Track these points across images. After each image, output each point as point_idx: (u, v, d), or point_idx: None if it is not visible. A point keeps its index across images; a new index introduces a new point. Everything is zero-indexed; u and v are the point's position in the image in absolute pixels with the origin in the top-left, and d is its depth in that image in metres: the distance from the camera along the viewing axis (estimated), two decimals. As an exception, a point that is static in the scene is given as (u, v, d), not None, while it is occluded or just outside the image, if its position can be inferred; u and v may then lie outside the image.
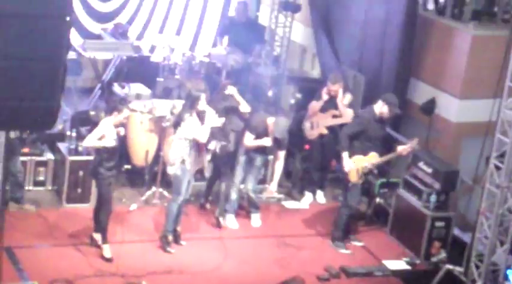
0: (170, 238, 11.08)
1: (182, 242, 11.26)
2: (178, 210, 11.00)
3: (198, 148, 10.91)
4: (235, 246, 11.43)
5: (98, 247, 10.73)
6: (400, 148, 11.66)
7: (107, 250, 10.70)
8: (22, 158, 11.87)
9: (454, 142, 12.90)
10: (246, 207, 12.07)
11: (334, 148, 12.14)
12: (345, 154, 11.47)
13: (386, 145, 11.88)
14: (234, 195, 11.76)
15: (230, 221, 11.77)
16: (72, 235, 11.07)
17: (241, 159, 11.72)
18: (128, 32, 15.38)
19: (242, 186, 11.81)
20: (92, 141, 10.53)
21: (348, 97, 12.30)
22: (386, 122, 11.78)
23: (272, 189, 11.67)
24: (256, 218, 11.84)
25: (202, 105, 10.96)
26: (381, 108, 11.49)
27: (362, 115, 11.87)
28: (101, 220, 10.71)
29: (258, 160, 11.73)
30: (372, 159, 11.53)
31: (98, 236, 10.76)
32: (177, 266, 10.87)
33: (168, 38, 14.60)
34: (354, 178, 11.58)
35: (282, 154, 11.58)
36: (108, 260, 10.63)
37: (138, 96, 12.96)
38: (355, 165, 11.50)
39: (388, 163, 12.21)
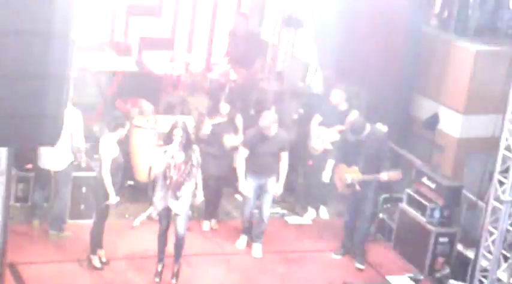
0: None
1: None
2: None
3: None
4: (237, 262, 11.46)
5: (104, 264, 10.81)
6: (382, 175, 11.50)
7: (96, 261, 10.81)
8: (24, 174, 11.89)
9: (458, 157, 12.89)
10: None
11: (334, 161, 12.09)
12: (342, 167, 11.61)
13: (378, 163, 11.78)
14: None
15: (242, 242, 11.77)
16: (75, 251, 11.03)
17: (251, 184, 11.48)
18: (132, 47, 15.39)
19: (256, 211, 11.74)
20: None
21: (355, 113, 12.28)
22: (372, 140, 11.60)
23: (278, 191, 11.55)
24: (258, 248, 11.59)
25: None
26: None
27: (343, 133, 11.96)
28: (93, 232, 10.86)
29: (268, 188, 11.50)
30: (353, 173, 11.52)
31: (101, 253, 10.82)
32: (180, 281, 10.86)
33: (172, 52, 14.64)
34: (338, 187, 11.74)
35: (284, 155, 11.43)
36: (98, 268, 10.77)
37: (141, 112, 12.99)
38: (338, 174, 11.61)
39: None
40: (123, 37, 15.70)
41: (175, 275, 10.64)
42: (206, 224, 12.14)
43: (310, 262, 11.79)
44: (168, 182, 10.37)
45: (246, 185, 11.39)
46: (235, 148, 11.78)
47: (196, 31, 16.04)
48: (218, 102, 12.38)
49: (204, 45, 16.25)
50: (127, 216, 12.05)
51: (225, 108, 11.94)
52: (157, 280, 10.63)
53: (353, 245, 11.95)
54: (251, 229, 11.67)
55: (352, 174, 11.51)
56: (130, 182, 12.52)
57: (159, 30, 15.70)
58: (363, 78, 13.52)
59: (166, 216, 10.58)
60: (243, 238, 11.68)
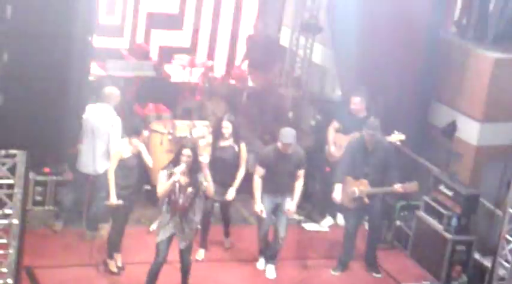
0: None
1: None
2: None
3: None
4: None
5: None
6: (397, 186, 11.42)
7: (112, 265, 10.83)
8: (42, 178, 11.98)
9: (476, 165, 12.85)
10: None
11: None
12: (349, 179, 11.50)
13: (388, 174, 11.64)
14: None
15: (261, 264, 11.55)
16: (93, 255, 11.04)
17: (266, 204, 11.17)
18: (150, 52, 15.44)
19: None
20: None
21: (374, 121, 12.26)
22: (379, 150, 11.54)
23: (291, 209, 11.21)
24: (272, 270, 11.33)
25: None
26: (364, 135, 11.51)
27: (350, 141, 11.90)
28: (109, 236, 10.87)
29: (285, 205, 11.18)
30: (361, 186, 11.43)
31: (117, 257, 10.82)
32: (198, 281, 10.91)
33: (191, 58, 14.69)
34: (343, 201, 11.58)
35: (301, 173, 11.15)
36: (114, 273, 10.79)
37: (158, 117, 13.02)
38: (343, 188, 11.50)
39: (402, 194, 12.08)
40: (143, 43, 15.77)
41: None
42: (201, 253, 11.53)
43: (327, 269, 11.77)
44: (172, 206, 10.02)
45: (262, 205, 11.05)
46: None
47: (218, 38, 16.03)
48: (235, 110, 12.44)
49: (225, 52, 16.25)
50: (143, 221, 12.06)
51: (226, 128, 11.24)
52: None
53: (353, 256, 11.88)
54: (267, 248, 11.42)
55: (361, 187, 11.43)
56: (147, 187, 12.52)
57: (180, 40, 15.78)
58: (381, 85, 13.51)
59: (167, 248, 10.09)
60: (262, 261, 11.41)
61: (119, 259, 10.88)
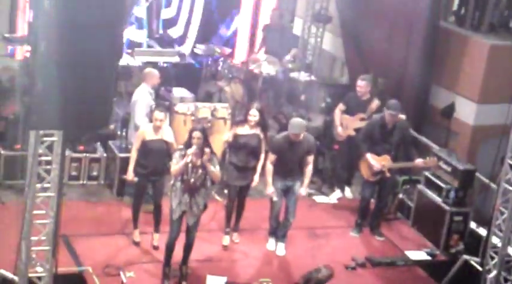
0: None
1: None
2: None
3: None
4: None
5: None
6: (418, 161, 11.56)
7: (136, 235, 10.84)
8: (77, 155, 12.06)
9: (472, 143, 12.88)
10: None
11: (360, 150, 12.06)
12: (368, 155, 11.56)
13: (406, 150, 11.80)
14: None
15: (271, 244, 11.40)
16: (123, 224, 11.15)
17: (277, 187, 10.97)
18: (174, 40, 15.49)
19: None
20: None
21: (376, 102, 12.30)
22: (397, 129, 11.62)
23: (302, 193, 11.05)
24: (282, 248, 11.21)
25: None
26: (385, 114, 11.55)
27: (371, 121, 11.91)
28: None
29: (296, 189, 11.02)
30: (384, 161, 11.53)
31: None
32: (220, 254, 11.00)
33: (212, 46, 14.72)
34: (366, 175, 11.70)
35: (310, 158, 10.93)
36: (155, 247, 10.75)
37: (182, 100, 13.07)
38: (365, 163, 11.60)
39: (409, 169, 12.21)
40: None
41: (185, 276, 10.21)
42: (226, 239, 11.27)
43: (335, 238, 11.83)
44: (184, 185, 9.87)
45: (273, 188, 10.90)
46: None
47: (239, 27, 16.03)
48: (250, 98, 12.38)
49: (245, 40, 16.25)
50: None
51: (254, 116, 10.89)
52: (166, 283, 10.13)
53: (366, 221, 11.99)
54: (277, 227, 11.26)
55: (384, 162, 11.53)
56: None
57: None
58: (385, 70, 13.54)
59: (180, 225, 9.99)
60: (272, 241, 11.26)
61: (136, 234, 10.86)
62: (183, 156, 9.84)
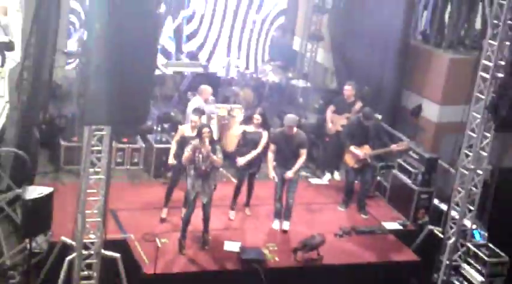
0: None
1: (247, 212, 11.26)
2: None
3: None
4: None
5: None
6: (392, 146, 11.50)
7: (164, 212, 10.72)
8: (122, 145, 12.03)
9: (435, 137, 12.88)
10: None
11: (346, 143, 11.91)
12: (351, 147, 11.48)
13: (381, 142, 11.67)
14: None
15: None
16: (158, 201, 11.05)
17: (278, 173, 10.77)
18: (198, 55, 15.43)
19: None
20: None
21: (359, 104, 12.27)
22: (371, 126, 11.50)
23: (289, 175, 10.74)
24: (287, 225, 10.99)
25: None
26: (362, 116, 11.51)
27: (351, 120, 11.86)
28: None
29: (294, 178, 10.81)
30: (364, 150, 11.46)
31: None
32: (235, 225, 10.98)
33: (229, 59, 14.68)
34: (350, 163, 11.61)
35: (302, 151, 10.75)
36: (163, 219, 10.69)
37: (206, 101, 13.05)
38: (349, 153, 11.49)
39: (386, 156, 12.09)
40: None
41: (206, 242, 10.19)
42: (232, 213, 11.16)
43: (326, 211, 11.79)
44: (197, 171, 9.79)
45: (274, 173, 10.75)
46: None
47: (249, 44, 15.95)
48: (259, 101, 12.31)
49: (255, 54, 16.15)
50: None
51: (257, 118, 10.92)
52: (184, 252, 10.00)
53: (353, 200, 11.89)
54: (280, 210, 11.04)
55: (365, 151, 11.48)
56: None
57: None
58: (366, 78, 13.51)
59: (194, 204, 9.93)
60: (276, 222, 11.05)
61: (164, 212, 10.74)
62: (193, 148, 9.81)
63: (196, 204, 10.02)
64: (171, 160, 10.65)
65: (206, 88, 11.98)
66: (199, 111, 10.89)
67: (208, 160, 9.80)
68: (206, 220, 10.14)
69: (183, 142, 10.46)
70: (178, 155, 10.48)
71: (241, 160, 10.92)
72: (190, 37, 14.92)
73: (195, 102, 11.90)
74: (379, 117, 11.92)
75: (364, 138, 11.52)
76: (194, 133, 10.33)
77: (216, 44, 15.20)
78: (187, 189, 10.03)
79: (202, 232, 10.21)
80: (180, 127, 10.89)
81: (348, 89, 12.31)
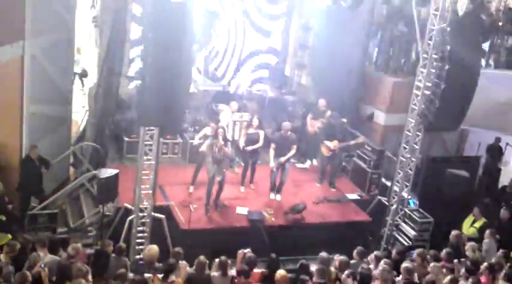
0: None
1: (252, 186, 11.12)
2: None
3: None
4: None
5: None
6: (353, 141, 11.48)
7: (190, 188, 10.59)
8: (166, 140, 11.90)
9: (383, 135, 12.86)
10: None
11: (321, 139, 11.91)
12: (325, 141, 11.46)
13: (345, 138, 11.63)
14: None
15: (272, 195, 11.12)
16: (191, 179, 10.96)
17: (276, 163, 10.62)
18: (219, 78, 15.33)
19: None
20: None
21: (328, 112, 12.24)
22: (338, 126, 11.47)
23: (282, 160, 10.75)
24: (279, 196, 10.93)
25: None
26: (330, 118, 11.54)
27: (325, 123, 11.79)
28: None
29: (286, 165, 10.77)
30: (334, 144, 11.41)
31: None
32: (243, 195, 10.86)
33: (239, 78, 14.61)
34: (324, 152, 11.57)
35: (293, 147, 10.77)
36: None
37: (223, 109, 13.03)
38: (324, 146, 11.46)
39: (349, 148, 11.97)
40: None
41: (218, 206, 10.11)
42: (242, 188, 10.97)
43: (307, 186, 11.75)
44: (214, 159, 9.75)
45: (273, 164, 10.72)
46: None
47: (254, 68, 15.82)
48: (260, 109, 12.18)
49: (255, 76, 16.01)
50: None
51: (255, 121, 10.95)
52: (208, 214, 9.93)
53: (326, 178, 11.83)
54: (275, 186, 10.97)
55: (335, 144, 11.41)
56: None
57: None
58: (334, 94, 13.50)
59: (213, 180, 9.89)
60: (272, 194, 10.97)
61: (191, 187, 10.64)
62: (211, 143, 9.82)
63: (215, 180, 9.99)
64: (201, 149, 10.45)
65: (234, 103, 11.95)
66: (215, 119, 10.88)
67: (222, 152, 9.81)
68: (219, 191, 10.13)
69: (204, 139, 10.45)
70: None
71: (248, 149, 10.95)
72: (216, 67, 14.80)
73: (226, 111, 11.79)
74: (344, 120, 11.92)
75: (333, 135, 11.52)
76: (213, 133, 10.34)
77: (235, 71, 15.08)
78: (208, 170, 10.00)
79: (215, 199, 10.20)
80: (204, 129, 10.81)
81: (321, 102, 12.33)
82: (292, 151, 10.79)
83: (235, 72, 14.79)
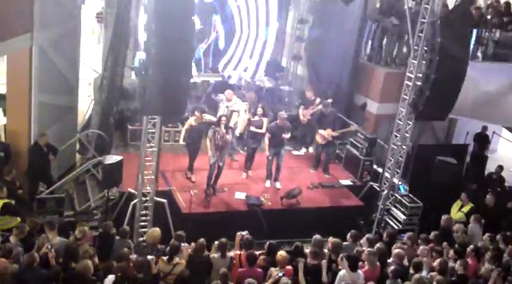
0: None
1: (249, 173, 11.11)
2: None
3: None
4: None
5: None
6: (345, 129, 11.48)
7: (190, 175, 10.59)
8: (168, 129, 11.89)
9: (375, 124, 12.82)
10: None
11: (316, 128, 11.91)
12: (320, 130, 11.47)
13: (340, 126, 11.68)
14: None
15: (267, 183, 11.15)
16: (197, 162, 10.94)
17: (271, 152, 10.64)
18: (219, 69, 15.28)
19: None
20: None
21: (317, 100, 12.16)
22: (331, 115, 11.46)
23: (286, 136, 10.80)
24: (278, 184, 10.96)
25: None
26: (323, 108, 11.49)
27: (317, 111, 11.78)
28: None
29: (281, 152, 10.81)
30: (328, 132, 11.42)
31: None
32: (242, 181, 10.87)
33: (239, 71, 14.56)
34: (319, 140, 11.56)
35: (288, 134, 10.73)
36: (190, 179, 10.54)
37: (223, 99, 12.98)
38: (318, 134, 11.47)
39: (343, 136, 12.01)
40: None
41: (216, 190, 10.12)
42: (244, 174, 11.03)
43: (303, 172, 11.78)
44: (216, 146, 9.79)
45: (269, 152, 10.73)
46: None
47: (252, 59, 15.74)
48: (259, 100, 12.19)
49: (255, 66, 15.92)
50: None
51: (259, 110, 11.05)
52: (208, 199, 9.93)
53: (320, 165, 11.84)
54: (271, 175, 10.84)
55: (328, 132, 11.42)
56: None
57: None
58: (329, 85, 13.48)
59: (214, 166, 9.95)
60: (268, 182, 10.96)
61: (192, 176, 10.65)
62: (213, 131, 9.82)
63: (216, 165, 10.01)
64: (180, 141, 10.49)
65: (229, 92, 11.88)
66: (200, 109, 10.77)
67: (223, 139, 9.80)
68: (219, 174, 10.16)
69: (190, 129, 10.41)
70: (189, 137, 10.39)
71: (252, 129, 10.95)
72: (218, 57, 14.64)
73: (223, 100, 11.73)
74: (333, 109, 11.85)
75: (327, 124, 11.50)
76: (197, 124, 10.23)
77: (237, 63, 14.97)
78: (209, 157, 9.98)
79: (212, 184, 10.21)
80: (189, 119, 10.65)
81: (308, 93, 12.30)
82: (288, 135, 10.74)
83: (236, 64, 14.75)
